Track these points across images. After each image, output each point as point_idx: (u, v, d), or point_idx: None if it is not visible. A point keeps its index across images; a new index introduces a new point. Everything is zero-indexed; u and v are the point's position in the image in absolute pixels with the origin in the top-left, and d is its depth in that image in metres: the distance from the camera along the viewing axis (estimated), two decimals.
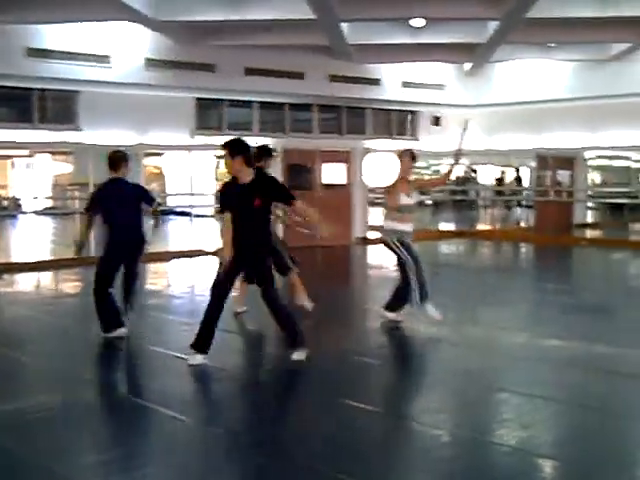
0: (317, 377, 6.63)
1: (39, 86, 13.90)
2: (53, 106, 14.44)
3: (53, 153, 25.08)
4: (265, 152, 8.57)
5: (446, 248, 17.78)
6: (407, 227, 8.29)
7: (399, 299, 8.36)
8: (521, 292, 11.36)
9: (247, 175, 6.56)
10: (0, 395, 6.12)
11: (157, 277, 12.74)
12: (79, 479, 4.43)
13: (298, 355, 6.73)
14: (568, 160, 19.50)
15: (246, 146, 6.62)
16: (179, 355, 7.14)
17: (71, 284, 12.73)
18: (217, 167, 25.12)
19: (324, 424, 5.37)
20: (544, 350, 7.45)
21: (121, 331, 7.69)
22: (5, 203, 23.49)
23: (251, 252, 6.66)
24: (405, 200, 8.27)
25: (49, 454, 4.81)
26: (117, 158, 7.81)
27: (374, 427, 5.37)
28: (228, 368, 6.85)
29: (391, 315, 8.42)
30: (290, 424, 5.43)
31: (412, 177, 8.57)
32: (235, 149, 6.56)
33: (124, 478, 4.52)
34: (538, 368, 6.77)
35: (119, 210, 7.72)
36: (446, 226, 21.83)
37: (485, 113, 19.27)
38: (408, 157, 8.38)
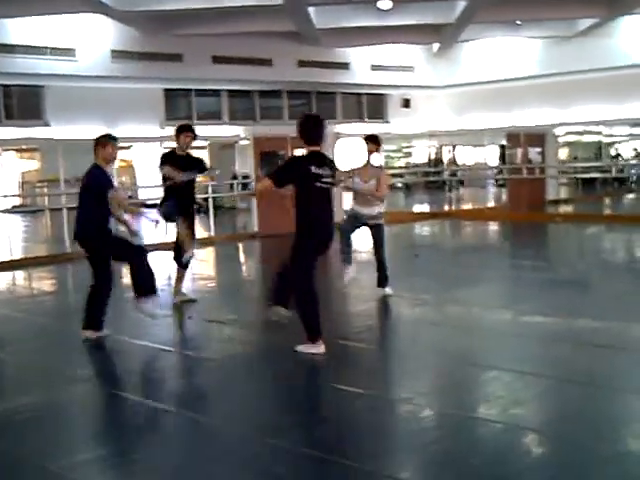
0: (305, 362, 6.59)
1: (4, 82, 13.69)
2: (19, 102, 14.24)
3: (20, 150, 24.78)
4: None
5: (422, 230, 17.79)
6: (364, 210, 8.88)
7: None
8: (499, 270, 11.38)
9: None
10: None
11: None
12: (73, 476, 4.36)
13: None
14: (539, 137, 19.56)
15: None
16: (163, 347, 7.09)
17: (46, 282, 12.59)
18: None
19: (315, 409, 5.34)
20: (528, 326, 7.47)
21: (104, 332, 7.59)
22: None
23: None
24: (359, 185, 8.73)
25: (41, 453, 4.73)
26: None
27: (364, 410, 5.35)
28: (216, 357, 6.80)
29: (388, 290, 8.87)
30: (282, 410, 5.39)
31: (378, 163, 9.12)
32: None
33: (118, 474, 4.47)
34: (525, 345, 6.78)
35: None
36: (420, 208, 21.84)
37: (455, 93, 19.32)
38: (372, 142, 8.80)
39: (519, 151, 19.78)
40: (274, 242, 15.80)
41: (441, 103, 19.64)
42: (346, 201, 15.48)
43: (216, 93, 16.65)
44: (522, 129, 18.94)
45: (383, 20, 14.09)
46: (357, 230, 9.19)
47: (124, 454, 4.73)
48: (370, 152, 8.77)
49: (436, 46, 18.02)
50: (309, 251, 6.69)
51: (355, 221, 9.07)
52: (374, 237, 9.02)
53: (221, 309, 9.22)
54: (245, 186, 18.02)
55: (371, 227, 9.03)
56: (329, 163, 6.62)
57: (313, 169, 6.38)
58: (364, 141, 8.83)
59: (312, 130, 6.45)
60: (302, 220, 6.61)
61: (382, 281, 8.98)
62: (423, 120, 19.73)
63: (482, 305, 8.45)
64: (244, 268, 14.14)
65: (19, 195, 25.20)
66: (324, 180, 6.45)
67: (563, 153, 23.30)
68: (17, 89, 14.15)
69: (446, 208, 21.12)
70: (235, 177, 20.12)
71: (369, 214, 8.89)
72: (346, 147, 18.61)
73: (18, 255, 14.49)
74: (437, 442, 4.68)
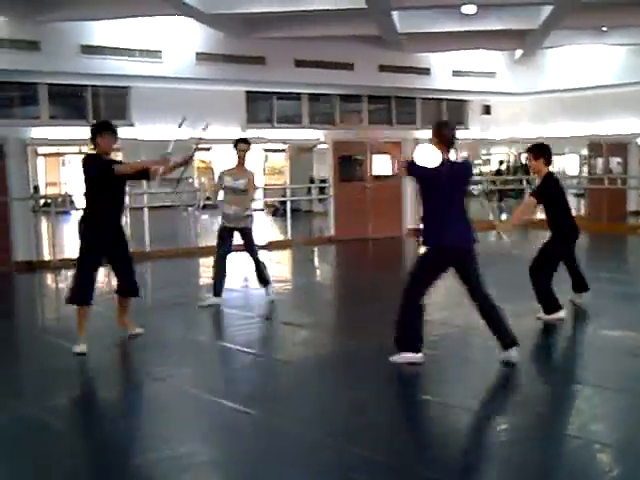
0: (380, 368, 6.57)
1: (93, 83, 14.01)
2: (106, 102, 14.55)
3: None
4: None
5: (500, 239, 17.55)
6: (230, 210, 9.18)
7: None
8: None
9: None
10: (68, 390, 6.17)
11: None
12: (152, 473, 4.43)
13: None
14: (621, 147, 19.12)
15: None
16: (242, 349, 7.17)
17: None
18: (266, 160, 25.17)
19: (392, 416, 5.33)
20: (608, 340, 7.32)
21: None
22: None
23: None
24: (229, 183, 9.20)
25: (121, 448, 4.83)
26: None
27: (436, 418, 5.32)
28: (292, 360, 6.84)
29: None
30: (358, 416, 5.38)
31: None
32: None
33: (197, 473, 4.53)
34: (604, 359, 6.64)
35: None
36: (503, 216, 21.50)
37: (536, 100, 19.02)
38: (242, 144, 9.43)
39: (600, 160, 19.39)
40: (350, 246, 15.85)
41: (522, 110, 19.35)
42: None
43: (297, 96, 16.72)
44: (604, 138, 18.56)
45: (466, 25, 13.94)
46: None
47: (202, 454, 4.79)
48: (240, 154, 9.36)
49: (519, 52, 17.77)
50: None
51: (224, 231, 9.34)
52: (247, 242, 9.37)
53: (297, 312, 9.28)
54: (322, 190, 18.07)
55: (239, 230, 9.32)
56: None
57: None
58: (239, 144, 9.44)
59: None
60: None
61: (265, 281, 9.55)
62: (503, 127, 19.49)
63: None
64: (319, 272, 14.19)
65: None
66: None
67: None
68: (104, 90, 14.45)
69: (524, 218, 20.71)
70: (312, 181, 20.22)
71: (231, 213, 9.22)
72: (425, 152, 18.48)
73: None
74: (517, 456, 4.61)
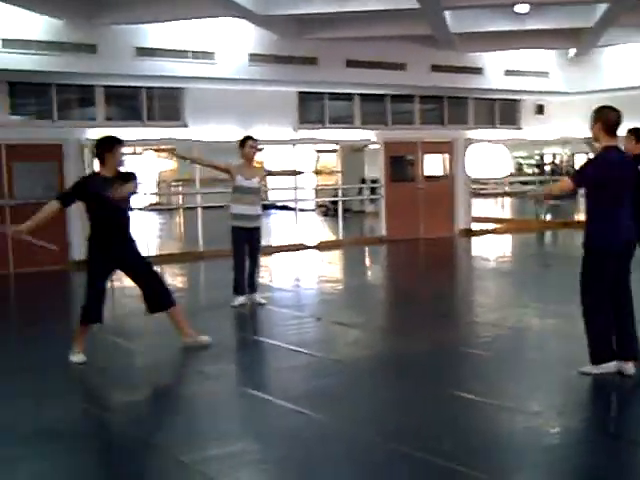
0: (429, 368, 6.57)
1: (147, 84, 14.21)
2: (160, 104, 14.74)
3: (158, 150, 25.59)
4: None
5: (553, 239, 17.42)
6: (248, 210, 9.12)
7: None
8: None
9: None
10: (123, 388, 6.28)
11: (262, 270, 12.87)
12: (205, 470, 4.48)
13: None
14: None
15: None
16: (293, 348, 7.21)
17: (179, 278, 13.00)
18: (317, 161, 25.21)
19: (441, 416, 5.32)
20: None
21: None
22: None
23: None
24: (242, 182, 9.07)
25: (175, 444, 4.89)
26: None
27: (491, 421, 5.30)
28: (343, 360, 6.87)
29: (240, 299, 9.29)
30: (407, 416, 5.38)
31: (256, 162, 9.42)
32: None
33: (248, 471, 4.58)
34: None
35: None
36: (549, 217, 21.31)
37: (590, 100, 18.68)
38: (249, 143, 9.24)
39: None
40: (401, 247, 15.83)
41: (575, 110, 19.07)
42: None
43: (349, 97, 16.74)
44: None
45: (519, 24, 13.82)
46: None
47: (254, 452, 4.84)
48: (246, 152, 9.22)
49: (572, 51, 17.56)
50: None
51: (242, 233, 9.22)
52: (255, 240, 9.32)
53: (348, 312, 9.30)
54: (373, 190, 18.08)
55: (253, 230, 9.27)
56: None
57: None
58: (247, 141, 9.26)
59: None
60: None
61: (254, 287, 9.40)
62: (557, 127, 19.26)
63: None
64: (370, 272, 14.20)
65: (156, 194, 26.06)
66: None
67: None
68: (158, 91, 14.64)
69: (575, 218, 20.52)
70: (364, 181, 20.23)
71: (255, 214, 9.22)
72: (478, 152, 18.42)
73: (153, 252, 15.01)
74: (566, 460, 4.58)
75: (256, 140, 9.47)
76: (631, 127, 8.13)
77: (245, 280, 9.33)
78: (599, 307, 5.88)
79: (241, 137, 9.52)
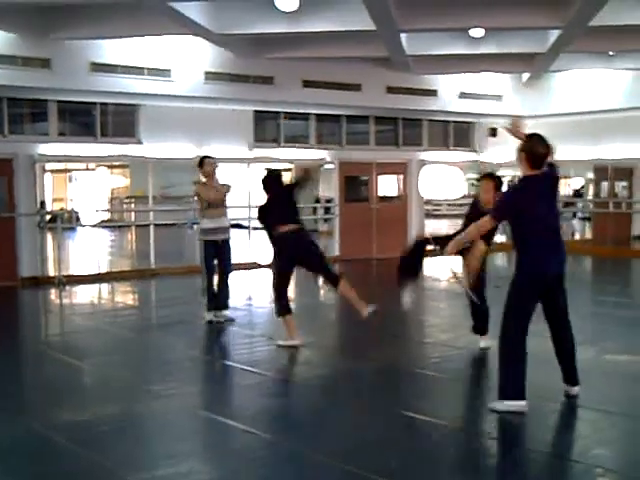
0: (381, 389, 6.58)
1: (102, 100, 14.09)
2: (115, 120, 14.63)
3: (111, 166, 25.43)
4: None
5: (503, 260, 17.57)
6: (213, 224, 9.32)
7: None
8: (583, 306, 11.11)
9: None
10: (71, 406, 6.19)
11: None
12: None
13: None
14: (626, 171, 19.14)
15: None
16: (244, 367, 7.17)
17: (130, 296, 12.89)
18: None
19: (392, 437, 5.32)
20: (614, 365, 7.30)
21: None
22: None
23: None
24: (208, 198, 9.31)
25: (123, 465, 4.83)
26: None
27: (437, 439, 5.31)
28: (294, 380, 6.85)
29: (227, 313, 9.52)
30: (359, 436, 5.38)
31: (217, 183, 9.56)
32: None
33: None
34: (610, 383, 6.63)
35: None
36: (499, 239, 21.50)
37: (543, 123, 18.95)
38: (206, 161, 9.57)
39: (605, 184, 19.41)
40: (354, 266, 15.84)
41: (528, 133, 19.39)
42: None
43: (304, 116, 16.80)
44: (610, 162, 18.59)
45: (474, 48, 14.01)
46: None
47: (203, 472, 4.80)
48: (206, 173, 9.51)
49: (525, 75, 17.84)
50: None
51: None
52: (225, 253, 9.47)
53: (300, 331, 9.25)
54: (327, 210, 18.11)
55: (222, 243, 9.43)
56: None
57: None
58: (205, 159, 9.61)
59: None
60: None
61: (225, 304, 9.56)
62: (510, 149, 19.52)
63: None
64: (322, 291, 14.18)
65: (108, 210, 25.86)
66: None
67: None
68: (113, 107, 14.53)
69: None
70: (318, 200, 20.25)
71: (222, 227, 9.40)
72: (432, 174, 18.51)
73: (104, 268, 14.87)
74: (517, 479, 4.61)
75: (213, 158, 9.69)
76: (486, 173, 7.96)
77: (220, 295, 9.50)
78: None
79: (199, 157, 9.82)
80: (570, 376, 5.99)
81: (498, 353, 5.77)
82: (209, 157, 9.72)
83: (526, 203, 5.63)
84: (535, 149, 5.66)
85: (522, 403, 5.63)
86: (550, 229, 5.72)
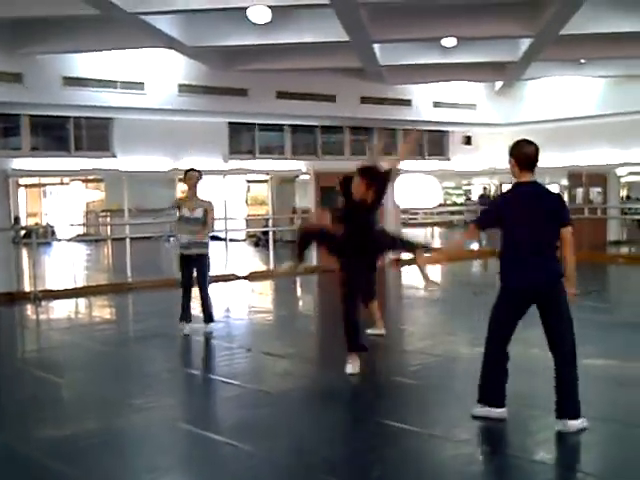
0: (359, 398, 6.57)
1: (75, 114, 14.02)
2: (88, 133, 14.56)
3: (85, 180, 25.31)
4: None
5: (481, 268, 17.66)
6: (184, 238, 9.29)
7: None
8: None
9: None
10: (50, 422, 6.13)
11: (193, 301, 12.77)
12: None
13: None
14: (600, 177, 19.33)
15: None
16: (224, 380, 7.15)
17: (107, 310, 12.81)
18: (248, 191, 25.23)
19: (370, 446, 5.32)
20: (591, 369, 7.32)
21: None
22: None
23: None
24: (184, 213, 9.32)
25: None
26: None
27: (417, 448, 5.32)
28: (273, 391, 6.83)
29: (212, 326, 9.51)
30: (337, 447, 5.37)
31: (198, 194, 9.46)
32: None
33: None
34: (588, 388, 6.63)
35: None
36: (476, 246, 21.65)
37: (517, 131, 19.11)
38: (189, 174, 9.47)
39: (580, 191, 19.58)
40: (333, 276, 15.81)
41: (503, 141, 19.51)
42: None
43: (279, 128, 16.82)
44: (584, 169, 18.75)
45: (447, 58, 14.09)
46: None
47: None
48: (190, 185, 9.43)
49: (498, 84, 17.98)
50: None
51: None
52: (200, 268, 9.45)
53: (278, 343, 9.27)
54: (304, 220, 18.12)
55: (197, 258, 9.39)
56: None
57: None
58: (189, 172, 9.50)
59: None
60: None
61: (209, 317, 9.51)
62: (484, 158, 19.64)
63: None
64: (301, 302, 14.19)
65: (84, 224, 25.69)
66: None
67: (624, 194, 22.92)
68: (86, 121, 14.47)
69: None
70: (295, 211, 20.27)
71: (194, 242, 9.31)
72: (408, 183, 18.61)
73: (81, 283, 14.77)
74: None
75: (199, 172, 9.56)
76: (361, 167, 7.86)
77: (191, 308, 9.53)
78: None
79: (185, 170, 9.75)
80: (563, 406, 5.49)
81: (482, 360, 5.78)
82: (192, 170, 9.56)
83: (506, 212, 5.60)
84: (522, 150, 5.61)
85: (501, 410, 5.66)
86: (530, 245, 5.52)
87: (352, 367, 7.23)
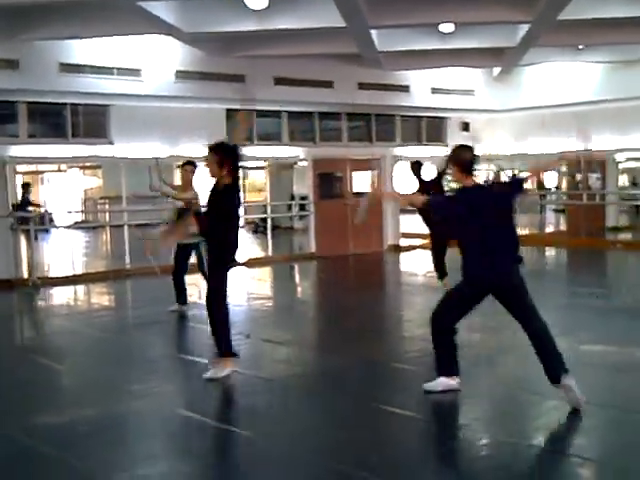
0: (360, 384, 6.59)
1: (72, 101, 13.97)
2: (85, 120, 14.51)
3: (83, 167, 25.24)
4: None
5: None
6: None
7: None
8: (558, 296, 11.20)
9: None
10: (49, 408, 6.15)
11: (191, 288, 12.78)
12: None
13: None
14: (599, 163, 19.30)
15: None
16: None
17: (106, 297, 12.82)
18: (246, 178, 25.16)
19: (372, 432, 5.34)
20: (589, 355, 7.36)
21: None
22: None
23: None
24: (177, 203, 9.66)
25: (101, 465, 4.81)
26: None
27: (421, 435, 5.34)
28: (272, 378, 6.85)
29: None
30: (338, 431, 5.39)
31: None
32: None
33: None
34: (586, 374, 6.65)
35: None
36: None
37: (515, 117, 19.17)
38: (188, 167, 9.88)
39: (578, 177, 19.57)
40: (331, 263, 15.87)
41: (501, 127, 19.49)
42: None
43: (277, 114, 16.77)
44: (582, 154, 18.72)
45: (445, 43, 14.05)
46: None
47: (182, 472, 4.78)
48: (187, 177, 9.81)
49: (496, 70, 17.94)
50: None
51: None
52: (198, 256, 9.90)
53: (277, 329, 9.29)
54: (302, 207, 18.12)
55: (189, 246, 9.76)
56: None
57: None
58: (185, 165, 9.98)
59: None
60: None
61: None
62: (482, 144, 19.62)
63: None
64: (300, 289, 14.20)
65: (82, 211, 25.66)
66: None
67: (622, 179, 22.91)
68: (83, 108, 14.41)
69: None
70: (293, 198, 20.26)
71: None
72: (405, 169, 18.59)
73: (80, 270, 14.78)
74: (495, 470, 4.64)
75: (194, 164, 9.85)
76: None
77: (181, 290, 9.93)
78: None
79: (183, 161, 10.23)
80: (550, 369, 5.70)
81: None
82: (187, 163, 9.94)
83: (460, 214, 5.82)
84: (462, 155, 5.90)
85: (454, 382, 5.97)
86: (483, 244, 5.73)
87: None
